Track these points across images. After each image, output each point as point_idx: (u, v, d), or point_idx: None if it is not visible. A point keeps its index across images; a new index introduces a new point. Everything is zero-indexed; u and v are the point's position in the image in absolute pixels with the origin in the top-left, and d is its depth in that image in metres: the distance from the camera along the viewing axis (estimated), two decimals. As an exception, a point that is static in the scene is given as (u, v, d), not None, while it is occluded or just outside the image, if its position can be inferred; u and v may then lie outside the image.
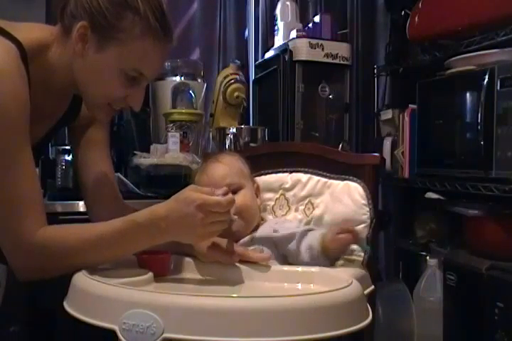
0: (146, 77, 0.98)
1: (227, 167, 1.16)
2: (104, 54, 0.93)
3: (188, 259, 1.05)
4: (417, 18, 1.86)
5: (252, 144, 1.81)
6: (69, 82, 0.99)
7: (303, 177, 1.25)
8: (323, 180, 1.22)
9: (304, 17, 2.15)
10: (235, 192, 1.12)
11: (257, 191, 1.22)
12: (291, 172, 1.27)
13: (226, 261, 0.99)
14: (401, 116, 2.00)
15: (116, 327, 0.74)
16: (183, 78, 1.99)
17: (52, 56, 0.98)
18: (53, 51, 0.97)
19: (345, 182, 1.19)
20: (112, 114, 1.05)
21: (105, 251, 0.92)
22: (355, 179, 1.18)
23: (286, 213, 1.24)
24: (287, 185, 1.25)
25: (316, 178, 1.23)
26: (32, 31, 0.98)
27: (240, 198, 1.11)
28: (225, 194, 0.91)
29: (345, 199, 1.18)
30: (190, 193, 0.89)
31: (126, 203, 1.21)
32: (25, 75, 0.92)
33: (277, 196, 1.26)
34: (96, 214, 1.16)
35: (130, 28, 0.92)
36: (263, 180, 1.28)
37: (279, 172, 1.28)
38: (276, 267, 0.99)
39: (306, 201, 1.23)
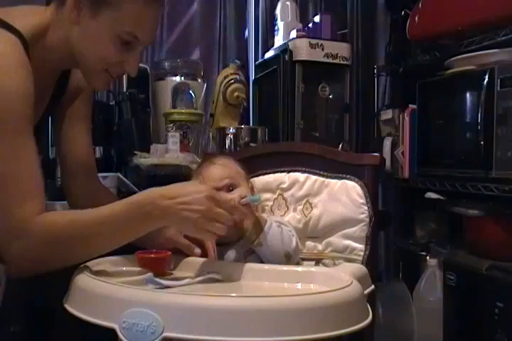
0: (141, 41, 1.00)
1: (222, 167, 1.16)
2: (99, 19, 0.96)
3: (188, 259, 1.05)
4: (417, 18, 1.86)
5: (252, 144, 1.80)
6: (67, 57, 1.02)
7: (300, 176, 1.24)
8: (321, 179, 1.22)
9: (304, 17, 2.15)
10: (231, 190, 1.13)
11: (252, 191, 1.22)
12: (288, 172, 1.27)
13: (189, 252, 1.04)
14: (401, 116, 2.00)
15: (116, 326, 0.74)
16: (183, 78, 1.99)
17: (50, 36, 1.00)
18: (51, 32, 1.00)
19: (343, 181, 1.19)
20: (109, 81, 1.07)
21: (108, 237, 0.90)
22: (352, 178, 1.18)
23: (284, 213, 1.24)
24: (285, 185, 1.25)
25: (313, 178, 1.23)
26: (28, 16, 0.99)
27: (237, 195, 1.12)
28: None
29: (343, 198, 1.18)
30: (201, 185, 0.94)
31: (101, 183, 1.25)
32: (28, 66, 0.93)
33: (275, 196, 1.26)
34: (70, 189, 1.19)
35: None
36: (261, 180, 1.28)
37: (277, 172, 1.28)
38: (276, 267, 0.98)
39: (304, 201, 1.23)
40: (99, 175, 1.50)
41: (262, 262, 1.05)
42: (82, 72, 1.06)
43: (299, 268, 0.98)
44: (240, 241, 1.10)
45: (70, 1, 0.95)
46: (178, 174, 1.58)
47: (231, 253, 1.09)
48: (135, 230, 0.92)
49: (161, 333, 0.71)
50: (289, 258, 1.04)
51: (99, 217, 0.89)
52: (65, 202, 1.51)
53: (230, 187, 1.13)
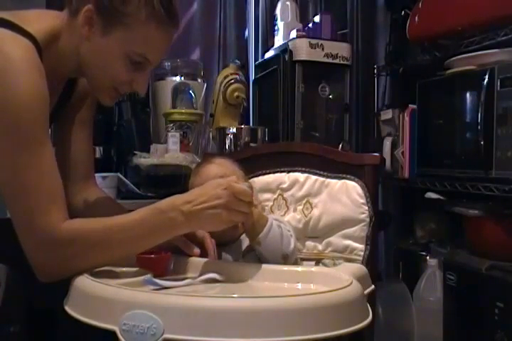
0: (151, 62, 0.99)
1: (218, 166, 1.16)
2: (110, 38, 0.95)
3: (188, 259, 1.05)
4: (417, 18, 1.86)
5: (252, 144, 1.80)
6: (75, 67, 1.01)
7: (300, 176, 1.25)
8: (321, 179, 1.22)
9: (304, 17, 2.15)
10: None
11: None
12: (288, 172, 1.27)
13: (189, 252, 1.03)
14: (401, 116, 2.00)
15: (116, 328, 0.74)
16: (183, 78, 1.99)
17: (62, 44, 0.99)
18: (63, 39, 0.99)
19: (343, 181, 1.19)
20: (116, 97, 1.07)
21: (132, 242, 0.91)
22: (352, 177, 1.18)
23: (284, 213, 1.24)
24: (285, 185, 1.25)
25: (313, 177, 1.23)
26: (42, 20, 0.98)
27: None
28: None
29: (343, 198, 1.18)
30: (217, 180, 0.94)
31: (99, 188, 1.24)
32: (43, 70, 0.92)
33: (275, 196, 1.26)
34: (66, 192, 1.18)
35: (135, 12, 0.93)
36: (261, 180, 1.28)
37: (277, 172, 1.28)
38: (276, 267, 0.98)
39: (304, 201, 1.23)
40: (99, 175, 1.51)
41: (259, 261, 1.05)
42: (90, 87, 1.06)
43: (299, 268, 0.98)
44: (238, 240, 1.10)
45: (82, 15, 0.94)
46: (178, 174, 1.58)
47: (229, 253, 1.09)
48: (160, 236, 0.93)
49: (162, 335, 0.71)
50: (287, 259, 1.05)
51: (124, 224, 0.90)
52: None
53: None
